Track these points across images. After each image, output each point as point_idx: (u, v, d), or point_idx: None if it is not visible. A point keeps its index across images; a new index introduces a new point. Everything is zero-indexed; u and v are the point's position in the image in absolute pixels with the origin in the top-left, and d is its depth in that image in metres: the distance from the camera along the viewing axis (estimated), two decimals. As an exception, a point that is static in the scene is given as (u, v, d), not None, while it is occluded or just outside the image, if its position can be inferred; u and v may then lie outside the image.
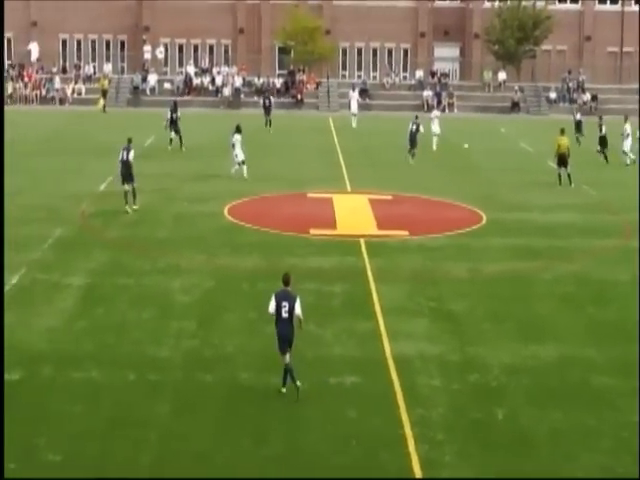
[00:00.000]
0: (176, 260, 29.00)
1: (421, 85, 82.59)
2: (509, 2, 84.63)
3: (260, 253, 30.00)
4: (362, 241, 31.73)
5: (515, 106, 79.82)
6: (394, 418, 17.92)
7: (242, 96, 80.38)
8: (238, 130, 43.26)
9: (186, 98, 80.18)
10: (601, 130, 49.94)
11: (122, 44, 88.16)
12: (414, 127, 49.22)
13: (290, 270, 26.94)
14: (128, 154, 36.28)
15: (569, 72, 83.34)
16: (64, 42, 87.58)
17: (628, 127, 49.39)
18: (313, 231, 33.11)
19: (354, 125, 66.79)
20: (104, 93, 77.02)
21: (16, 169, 44.69)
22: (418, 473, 15.75)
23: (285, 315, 18.81)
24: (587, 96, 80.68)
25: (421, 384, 19.66)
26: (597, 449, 16.84)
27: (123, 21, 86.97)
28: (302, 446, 16.76)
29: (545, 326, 23.55)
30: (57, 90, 79.51)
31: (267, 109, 65.02)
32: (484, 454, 16.57)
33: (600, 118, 51.84)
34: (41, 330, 22.42)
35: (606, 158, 49.62)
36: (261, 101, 68.56)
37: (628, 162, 49.25)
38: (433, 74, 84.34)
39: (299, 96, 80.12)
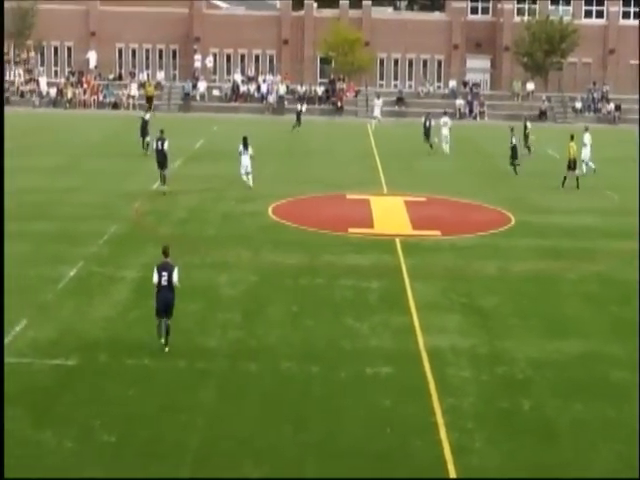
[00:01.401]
0: (223, 256, 29.07)
1: (454, 94, 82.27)
2: (538, 17, 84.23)
3: (301, 250, 30.01)
4: (397, 240, 31.67)
5: (542, 115, 79.33)
6: (426, 407, 17.90)
7: (286, 103, 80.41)
8: (245, 142, 41.92)
9: (233, 104, 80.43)
10: (512, 141, 47.25)
11: (174, 53, 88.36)
12: (427, 122, 52.39)
13: (330, 267, 27.14)
14: (163, 144, 40.09)
15: (594, 83, 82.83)
16: (120, 51, 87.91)
17: (587, 138, 47.11)
18: (351, 230, 33.09)
19: (372, 128, 67.20)
20: (149, 99, 77.21)
21: (74, 169, 45.07)
22: (449, 459, 15.72)
23: (164, 283, 20.31)
24: (611, 106, 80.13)
25: (452, 375, 19.62)
26: (616, 439, 16.76)
27: (175, 32, 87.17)
28: (339, 432, 16.74)
29: (569, 323, 23.43)
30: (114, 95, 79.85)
31: (298, 114, 65.83)
32: (511, 441, 16.52)
33: (511, 130, 47.65)
34: (97, 319, 22.54)
35: (515, 170, 46.88)
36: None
37: (584, 171, 46.20)
38: (465, 84, 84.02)
39: (339, 103, 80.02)
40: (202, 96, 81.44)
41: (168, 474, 15.09)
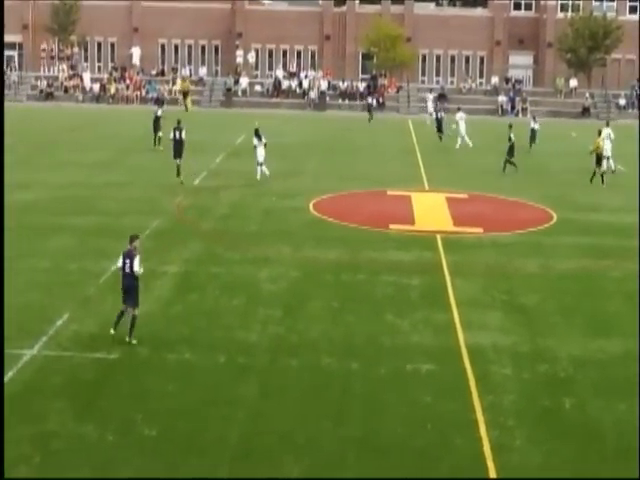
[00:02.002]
0: (264, 251, 29.10)
1: (496, 91, 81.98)
2: (581, 13, 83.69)
3: (343, 246, 29.98)
4: (439, 237, 31.57)
5: (586, 111, 78.83)
6: (467, 404, 17.81)
7: (327, 99, 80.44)
8: (257, 134, 42.56)
9: (275, 100, 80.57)
10: (510, 139, 46.22)
11: (216, 49, 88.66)
12: (440, 115, 53.22)
13: (370, 263, 27.12)
14: (181, 133, 41.58)
15: (638, 80, 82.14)
16: (163, 47, 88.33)
17: (605, 132, 46.01)
18: (392, 226, 33.01)
19: (427, 123, 67.11)
20: (185, 94, 77.51)
21: (118, 164, 45.31)
22: (489, 456, 15.63)
23: (127, 270, 20.64)
24: (655, 103, 79.53)
25: (493, 372, 19.51)
26: (660, 439, 16.59)
27: (218, 28, 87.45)
28: (379, 428, 16.70)
29: (612, 321, 23.23)
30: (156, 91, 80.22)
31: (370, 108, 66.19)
32: (552, 440, 16.39)
33: (510, 126, 47.05)
34: (139, 313, 22.57)
35: (513, 165, 46.12)
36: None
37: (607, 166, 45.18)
38: (507, 80, 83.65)
39: (381, 99, 79.92)
40: (244, 92, 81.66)
41: (208, 468, 15.10)
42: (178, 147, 41.29)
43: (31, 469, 14.78)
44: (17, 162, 45.44)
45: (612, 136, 46.71)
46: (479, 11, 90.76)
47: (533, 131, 54.69)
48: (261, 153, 41.72)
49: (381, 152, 53.64)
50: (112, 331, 20.58)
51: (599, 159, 43.33)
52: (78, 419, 16.60)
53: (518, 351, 20.84)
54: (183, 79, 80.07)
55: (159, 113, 51.91)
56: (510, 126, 47.23)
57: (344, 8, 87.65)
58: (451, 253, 29.40)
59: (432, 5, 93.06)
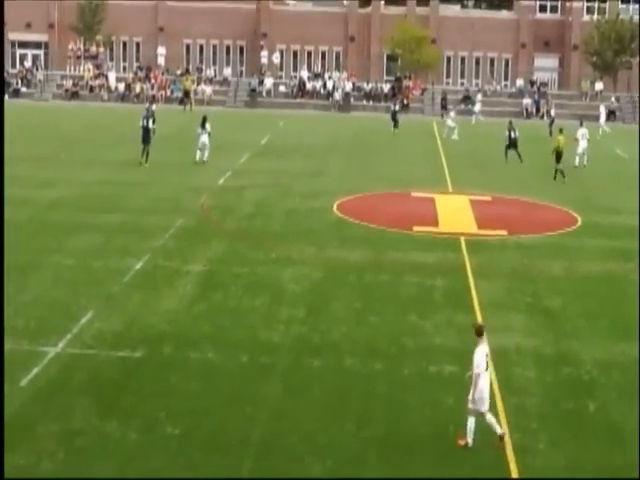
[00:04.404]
0: (288, 251, 29.12)
1: (521, 93, 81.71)
2: (607, 15, 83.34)
3: (366, 247, 29.98)
4: (462, 239, 31.51)
5: (611, 114, 78.43)
6: (490, 406, 17.72)
7: (352, 100, 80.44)
8: (203, 122, 46.47)
9: (299, 101, 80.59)
10: (511, 135, 50.04)
11: (241, 49, 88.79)
12: (512, 133, 50.96)
13: (394, 264, 27.13)
14: (148, 121, 45.38)
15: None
16: (188, 47, 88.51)
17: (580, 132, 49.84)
18: (416, 228, 32.97)
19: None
20: (187, 93, 77.68)
21: (146, 165, 45.32)
22: (512, 459, 15.59)
23: None
24: (681, 106, 79.11)
25: (516, 375, 19.47)
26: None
27: (242, 28, 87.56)
28: (402, 429, 16.69)
29: (636, 325, 23.10)
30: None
31: (394, 115, 64.66)
32: (576, 444, 16.34)
33: (510, 122, 52.24)
34: (162, 312, 22.67)
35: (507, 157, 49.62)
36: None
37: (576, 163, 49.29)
38: (532, 83, 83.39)
39: (405, 101, 79.81)
40: (268, 92, 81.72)
41: (230, 467, 15.13)
42: (145, 134, 45.14)
43: (55, 465, 14.84)
44: (43, 160, 45.71)
45: (587, 136, 50.16)
46: (504, 13, 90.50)
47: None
48: (204, 140, 46.05)
49: (405, 153, 53.57)
50: None
51: (559, 156, 44.82)
52: (102, 417, 16.66)
53: (542, 354, 20.79)
54: (186, 78, 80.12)
55: (153, 108, 52.90)
56: (510, 122, 51.83)
57: (369, 9, 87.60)
58: (475, 255, 29.34)
59: (457, 7, 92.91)
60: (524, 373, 19.57)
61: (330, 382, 18.72)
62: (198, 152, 46.20)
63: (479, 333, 16.47)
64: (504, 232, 32.90)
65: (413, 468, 15.33)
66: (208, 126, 46.30)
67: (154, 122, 46.90)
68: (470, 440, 15.95)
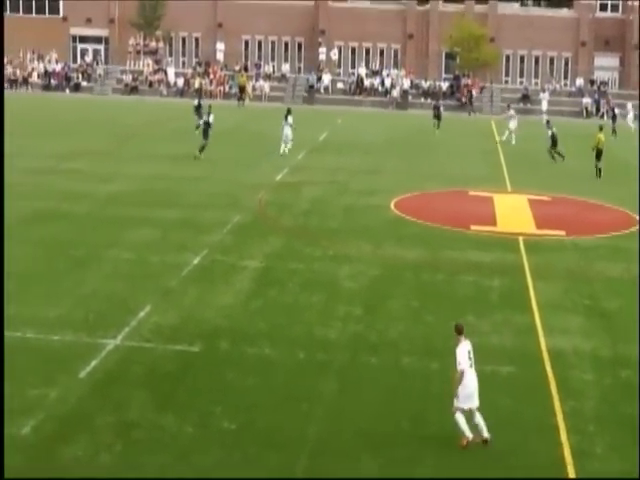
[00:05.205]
0: (344, 248, 29.10)
1: (581, 92, 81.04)
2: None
3: (423, 245, 29.88)
4: (520, 239, 31.30)
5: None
6: (547, 408, 17.63)
7: (410, 98, 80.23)
8: (287, 115, 48.17)
9: (357, 98, 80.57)
10: (552, 134, 49.88)
11: (299, 46, 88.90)
12: (550, 131, 50.33)
13: (451, 263, 27.03)
14: (209, 117, 46.56)
15: None
16: (246, 42, 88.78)
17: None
18: (474, 227, 32.81)
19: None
20: (242, 89, 77.88)
21: (201, 158, 45.54)
22: (569, 462, 15.45)
23: None
24: None
25: (574, 377, 19.29)
26: None
27: (301, 25, 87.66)
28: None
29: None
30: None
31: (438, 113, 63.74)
32: (633, 448, 16.12)
33: (547, 122, 52.43)
34: (219, 307, 22.76)
35: (554, 157, 49.43)
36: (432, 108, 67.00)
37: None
38: (592, 82, 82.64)
39: (463, 99, 79.48)
40: (326, 89, 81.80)
41: (286, 463, 15.14)
42: (207, 128, 46.08)
43: (112, 457, 14.95)
44: (102, 154, 46.10)
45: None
46: (564, 12, 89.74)
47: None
48: (287, 132, 47.07)
49: (463, 152, 53.33)
50: None
51: (599, 154, 44.91)
52: (158, 410, 16.77)
53: (599, 356, 20.58)
54: (241, 74, 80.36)
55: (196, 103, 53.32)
56: (547, 122, 51.76)
57: (427, 6, 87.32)
58: (533, 255, 29.13)
59: (516, 5, 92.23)
60: (581, 376, 19.37)
61: (386, 380, 18.68)
62: (282, 144, 47.01)
63: (459, 331, 16.43)
64: (562, 232, 32.62)
65: (469, 469, 15.24)
66: (290, 118, 47.07)
67: (199, 116, 49.49)
68: (469, 435, 15.85)
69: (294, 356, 19.74)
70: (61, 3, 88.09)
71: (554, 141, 49.31)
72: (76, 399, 17.06)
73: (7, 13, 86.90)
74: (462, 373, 15.96)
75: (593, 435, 16.52)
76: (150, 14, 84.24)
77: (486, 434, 15.94)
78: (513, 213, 36.06)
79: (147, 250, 27.72)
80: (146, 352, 19.64)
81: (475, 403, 16.04)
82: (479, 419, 16.01)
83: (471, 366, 16.10)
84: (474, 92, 67.62)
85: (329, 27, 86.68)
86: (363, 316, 22.60)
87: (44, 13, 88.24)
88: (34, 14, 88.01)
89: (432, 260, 28.16)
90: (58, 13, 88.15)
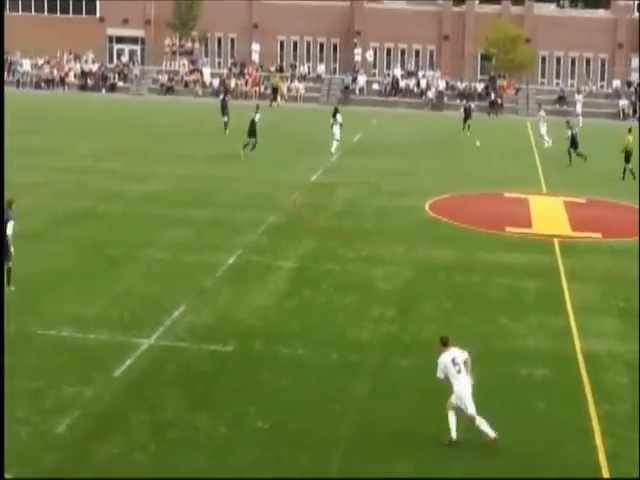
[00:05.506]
0: (378, 250, 29.08)
1: (617, 94, 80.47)
2: None
3: (457, 247, 29.81)
4: (556, 241, 31.16)
5: None
6: (581, 411, 17.55)
7: (445, 99, 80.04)
8: (335, 113, 48.87)
9: (392, 99, 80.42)
10: (572, 134, 49.21)
11: (335, 46, 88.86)
12: (571, 131, 49.83)
13: (485, 265, 26.94)
14: (255, 116, 46.62)
15: None
16: (282, 43, 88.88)
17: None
18: (509, 229, 32.70)
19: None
20: (275, 90, 77.95)
21: (236, 159, 45.68)
22: (604, 466, 15.38)
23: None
24: None
25: (609, 380, 19.19)
26: None
27: (336, 25, 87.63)
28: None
29: None
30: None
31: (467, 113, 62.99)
32: (669, 452, 16.05)
33: (567, 122, 51.65)
34: (253, 307, 22.81)
35: (571, 159, 48.70)
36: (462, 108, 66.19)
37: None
38: (629, 84, 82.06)
39: (499, 101, 79.18)
40: (361, 90, 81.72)
41: (318, 464, 15.16)
42: (252, 127, 46.46)
43: (147, 456, 15.03)
44: (137, 154, 46.32)
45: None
46: (601, 13, 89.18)
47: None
48: (336, 131, 47.77)
49: (498, 153, 53.10)
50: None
51: (628, 156, 44.69)
52: (193, 409, 16.84)
53: (634, 359, 20.42)
54: (274, 75, 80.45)
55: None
56: (568, 122, 51.17)
57: (463, 8, 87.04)
58: (568, 257, 28.99)
59: (553, 6, 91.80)
60: (616, 379, 19.27)
61: (419, 382, 18.62)
62: (334, 142, 47.95)
63: (444, 344, 16.34)
64: (598, 235, 32.46)
65: (502, 471, 15.19)
66: (339, 117, 47.49)
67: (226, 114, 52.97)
68: (453, 436, 15.85)
69: (327, 357, 19.76)
70: (98, 4, 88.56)
71: (574, 142, 48.86)
72: (111, 398, 17.17)
73: (45, 14, 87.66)
74: (450, 382, 16.00)
75: (627, 440, 16.41)
76: (186, 15, 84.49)
77: (492, 434, 15.85)
78: (548, 215, 35.90)
79: (182, 250, 27.83)
80: (180, 352, 19.73)
81: (471, 410, 15.92)
82: (480, 423, 15.90)
83: (459, 372, 16.00)
84: (469, 106, 65.26)
85: (364, 28, 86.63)
86: (396, 317, 22.59)
87: (81, 14, 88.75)
88: (71, 14, 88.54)
89: (466, 261, 28.09)
90: (95, 14, 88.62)
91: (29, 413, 16.30)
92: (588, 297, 24.96)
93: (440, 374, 16.08)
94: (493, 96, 78.85)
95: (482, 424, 15.86)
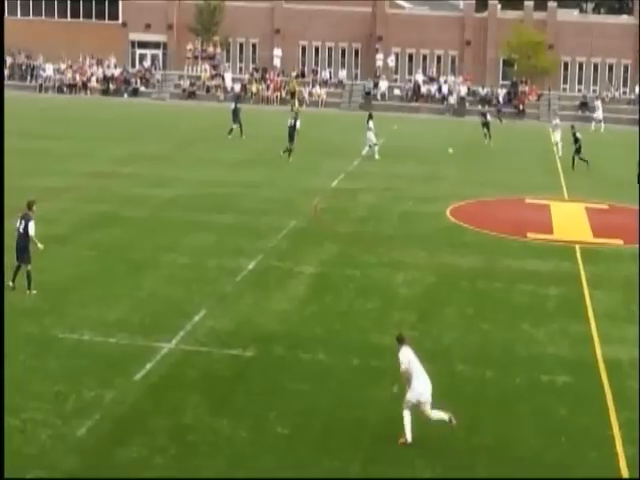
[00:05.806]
0: (400, 255, 29.06)
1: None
2: None
3: (479, 253, 29.76)
4: (577, 247, 31.06)
5: None
6: (603, 419, 17.49)
7: (467, 105, 79.92)
8: (369, 119, 50.05)
9: (414, 104, 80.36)
10: (577, 139, 49.19)
11: (356, 52, 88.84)
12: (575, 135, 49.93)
13: (507, 271, 26.84)
14: (295, 122, 47.48)
15: None
16: (303, 49, 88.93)
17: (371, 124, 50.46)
18: (530, 235, 32.61)
19: (601, 130, 66.51)
20: (293, 94, 78.05)
21: (256, 164, 45.80)
22: (625, 473, 15.31)
23: (21, 231, 23.13)
24: None
25: (630, 388, 19.10)
26: None
27: (358, 31, 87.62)
28: (512, 439, 16.53)
29: None
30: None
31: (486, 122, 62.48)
32: (691, 460, 15.96)
33: (572, 127, 51.24)
34: (274, 312, 22.84)
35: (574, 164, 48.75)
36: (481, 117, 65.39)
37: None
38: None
39: (521, 106, 79.02)
40: (383, 95, 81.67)
41: (339, 470, 15.16)
42: (292, 132, 47.34)
43: (166, 460, 15.06)
44: (160, 158, 46.45)
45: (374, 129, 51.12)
46: (624, 18, 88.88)
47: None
48: (370, 136, 49.08)
49: (520, 159, 53.00)
50: (11, 284, 23.06)
51: None
52: (213, 414, 16.87)
53: (657, 367, 20.35)
54: (291, 80, 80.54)
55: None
56: (572, 127, 50.69)
57: (485, 13, 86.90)
58: (590, 264, 28.89)
59: (575, 12, 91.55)
60: (637, 386, 19.15)
61: (440, 388, 18.50)
62: (375, 147, 49.20)
63: (400, 341, 16.67)
64: (620, 241, 32.33)
65: (521, 477, 15.16)
66: (371, 123, 48.21)
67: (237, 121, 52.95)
68: (408, 437, 15.92)
69: (348, 362, 19.76)
70: (120, 9, 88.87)
71: (578, 147, 48.94)
72: (131, 401, 17.23)
73: (68, 19, 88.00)
74: (409, 376, 16.20)
75: (649, 447, 16.35)
76: (208, 20, 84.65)
77: (447, 416, 16.18)
78: (570, 221, 35.79)
79: (204, 255, 27.89)
80: (201, 356, 19.76)
81: (427, 405, 16.14)
82: (435, 414, 16.18)
83: (418, 368, 16.28)
84: (488, 115, 64.13)
85: (386, 33, 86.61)
86: (417, 323, 22.57)
87: (104, 19, 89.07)
88: (94, 19, 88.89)
89: (488, 268, 28.03)
90: (117, 19, 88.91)
91: (50, 416, 16.38)
92: (609, 304, 24.86)
93: (407, 364, 16.20)
94: (519, 104, 78.67)
95: (437, 414, 16.16)
